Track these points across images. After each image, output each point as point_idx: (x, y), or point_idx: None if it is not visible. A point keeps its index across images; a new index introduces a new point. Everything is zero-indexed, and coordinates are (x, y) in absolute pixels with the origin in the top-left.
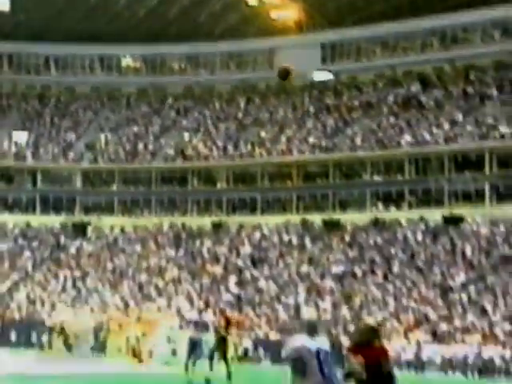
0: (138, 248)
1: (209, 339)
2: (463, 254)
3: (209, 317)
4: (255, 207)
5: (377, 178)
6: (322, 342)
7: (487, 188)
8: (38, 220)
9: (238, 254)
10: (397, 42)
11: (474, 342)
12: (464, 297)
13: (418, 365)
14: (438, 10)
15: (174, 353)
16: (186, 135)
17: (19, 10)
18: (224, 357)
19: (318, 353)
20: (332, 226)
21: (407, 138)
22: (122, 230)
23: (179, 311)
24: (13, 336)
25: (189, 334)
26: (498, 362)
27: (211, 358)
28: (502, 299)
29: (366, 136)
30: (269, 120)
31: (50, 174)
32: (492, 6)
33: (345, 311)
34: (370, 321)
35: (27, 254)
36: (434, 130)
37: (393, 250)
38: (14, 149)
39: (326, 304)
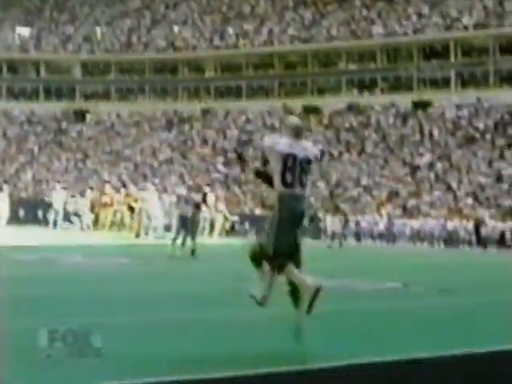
0: (134, 132)
1: (198, 216)
2: (431, 135)
3: (198, 195)
4: (241, 94)
5: (351, 66)
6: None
7: (453, 75)
8: (41, 107)
9: (225, 137)
10: None
11: (440, 215)
12: (431, 174)
13: (389, 237)
14: None
15: (167, 229)
16: (176, 28)
17: None
18: (193, 233)
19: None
20: (311, 111)
21: (378, 29)
22: (119, 116)
23: (172, 189)
24: (21, 214)
25: (179, 211)
26: (461, 233)
27: (193, 233)
28: (465, 176)
29: (341, 27)
30: (250, 13)
31: (51, 64)
32: None
33: (322, 188)
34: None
35: (32, 138)
36: (403, 22)
37: (366, 132)
38: (17, 42)
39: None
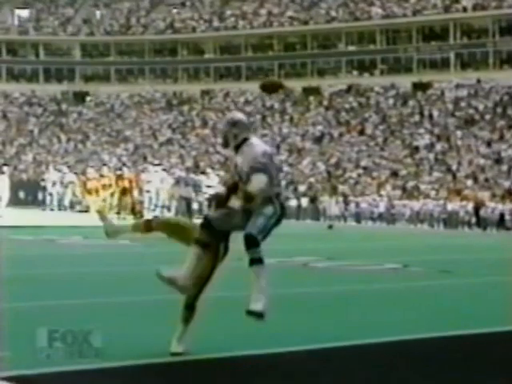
0: (133, 113)
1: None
2: (430, 116)
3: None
4: (240, 75)
5: (351, 47)
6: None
7: (452, 56)
8: (41, 89)
9: None
10: None
11: (439, 196)
12: (431, 155)
13: (389, 218)
14: None
15: (168, 209)
16: (175, 10)
17: None
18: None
19: None
20: (311, 92)
21: (378, 10)
22: (119, 97)
23: (171, 170)
24: (21, 195)
25: (179, 192)
26: (461, 214)
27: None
28: (465, 158)
29: (340, 9)
30: None
31: (51, 46)
32: None
33: (322, 169)
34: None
35: (32, 120)
36: (403, 3)
37: (366, 114)
38: (17, 23)
39: (305, 163)
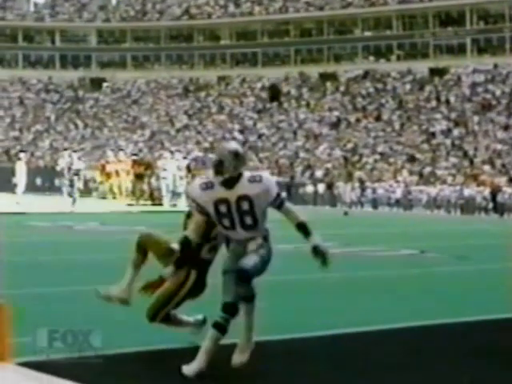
0: (150, 100)
1: None
2: (447, 102)
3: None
4: (256, 61)
5: (367, 33)
6: None
7: (469, 41)
8: (58, 75)
9: (242, 104)
10: None
11: (456, 182)
12: (447, 141)
13: (406, 203)
14: None
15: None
16: None
17: None
18: None
19: None
20: (327, 78)
21: None
22: (135, 84)
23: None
24: (38, 182)
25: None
26: (478, 200)
27: None
28: (482, 143)
29: None
30: None
31: (67, 33)
32: None
33: (339, 155)
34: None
35: (49, 106)
36: None
37: (383, 99)
38: (32, 10)
39: (322, 148)
